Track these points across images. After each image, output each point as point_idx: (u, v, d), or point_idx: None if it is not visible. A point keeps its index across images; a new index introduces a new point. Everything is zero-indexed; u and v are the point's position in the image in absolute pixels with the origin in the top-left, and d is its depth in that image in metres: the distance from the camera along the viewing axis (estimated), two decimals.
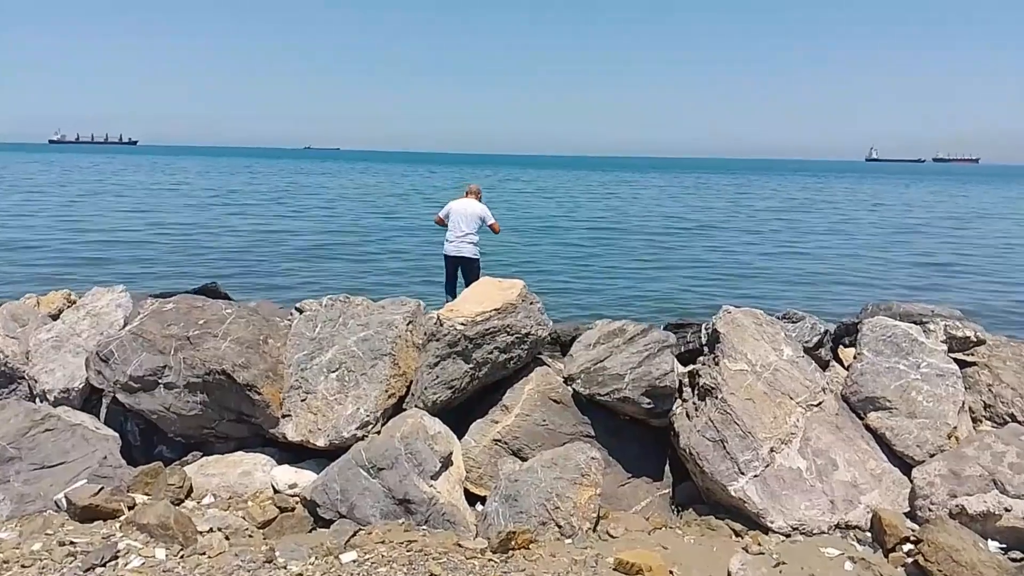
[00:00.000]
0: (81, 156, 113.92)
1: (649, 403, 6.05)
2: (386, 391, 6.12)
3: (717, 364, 6.34)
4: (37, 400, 6.52)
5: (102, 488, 5.60)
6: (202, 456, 6.33)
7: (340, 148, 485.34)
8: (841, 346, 7.85)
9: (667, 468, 6.45)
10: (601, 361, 6.45)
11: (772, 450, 5.96)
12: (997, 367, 6.85)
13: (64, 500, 5.55)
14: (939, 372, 6.45)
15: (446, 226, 9.68)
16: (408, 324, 6.56)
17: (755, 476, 5.84)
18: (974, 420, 6.68)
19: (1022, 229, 32.38)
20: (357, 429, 5.86)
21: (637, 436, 6.44)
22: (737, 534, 5.77)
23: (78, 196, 37.46)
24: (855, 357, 6.81)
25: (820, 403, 6.38)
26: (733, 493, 5.77)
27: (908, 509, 5.96)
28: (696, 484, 6.18)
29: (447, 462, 5.79)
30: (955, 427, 6.22)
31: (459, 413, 6.53)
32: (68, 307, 8.01)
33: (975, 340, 6.90)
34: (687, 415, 6.30)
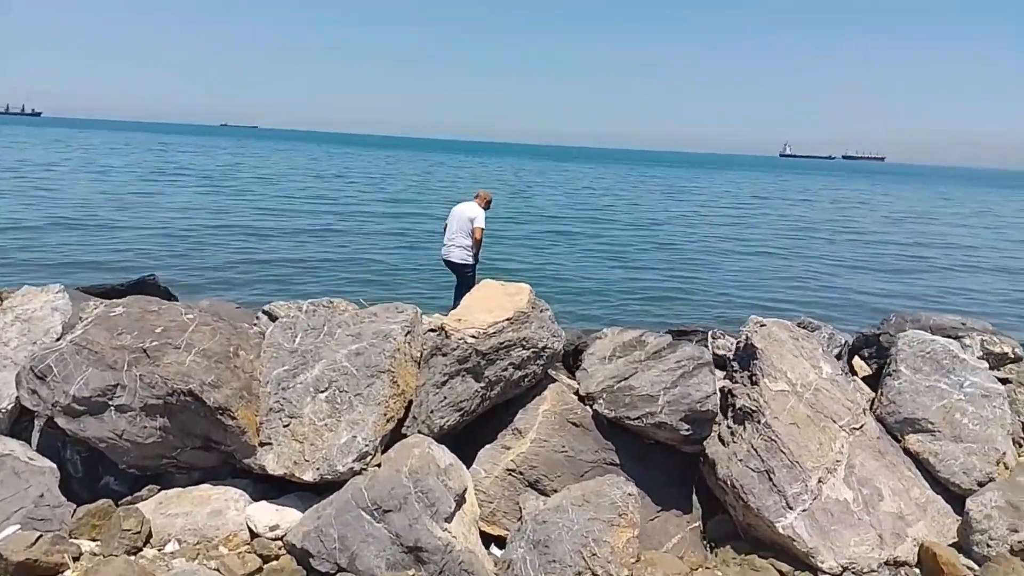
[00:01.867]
0: None
1: (688, 430, 5.36)
2: (384, 414, 5.23)
3: (756, 384, 5.70)
4: None
5: (40, 536, 4.57)
6: (160, 490, 5.33)
7: (258, 126, 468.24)
8: (858, 358, 7.37)
9: (694, 498, 5.80)
10: (626, 379, 5.74)
11: (820, 480, 5.37)
12: None
13: None
14: (984, 392, 6.00)
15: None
16: (406, 335, 5.68)
17: (804, 511, 5.25)
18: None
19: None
20: (354, 461, 4.96)
21: (662, 463, 5.76)
22: (783, 574, 5.17)
23: None
24: (889, 374, 6.29)
25: (862, 426, 5.83)
26: (781, 530, 5.16)
27: (954, 541, 5.50)
28: (734, 518, 5.55)
29: (461, 500, 4.98)
30: (1004, 452, 5.77)
31: (458, 437, 5.72)
32: None
33: (1012, 356, 6.51)
34: (721, 440, 5.65)
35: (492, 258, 17.55)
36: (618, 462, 5.61)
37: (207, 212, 23.78)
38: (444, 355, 5.47)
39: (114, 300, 5.93)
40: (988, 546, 5.22)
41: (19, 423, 5.57)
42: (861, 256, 22.38)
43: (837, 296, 16.21)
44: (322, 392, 5.32)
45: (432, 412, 5.33)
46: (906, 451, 5.96)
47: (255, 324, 6.72)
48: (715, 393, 5.45)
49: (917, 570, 5.33)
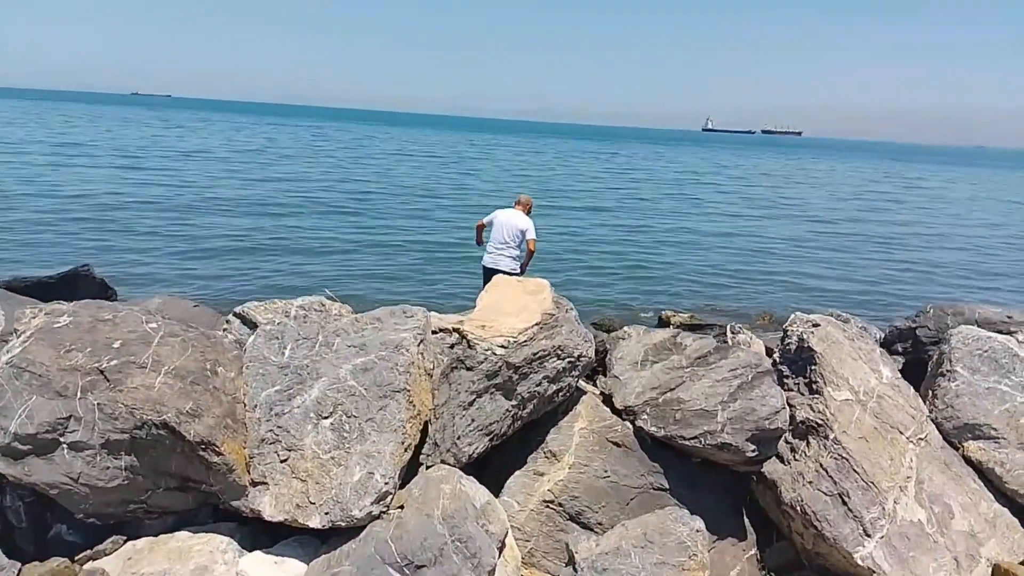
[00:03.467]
0: None
1: (754, 450, 4.67)
2: (402, 443, 4.37)
3: (819, 393, 5.06)
4: None
5: None
6: (126, 540, 4.36)
7: (172, 95, 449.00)
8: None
9: (746, 522, 5.15)
10: (671, 389, 5.02)
11: (895, 501, 4.78)
12: None
13: None
14: None
15: (483, 237, 8.89)
16: (419, 344, 4.81)
17: (882, 537, 4.65)
18: None
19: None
20: (373, 503, 4.09)
21: (712, 484, 5.08)
22: None
23: None
24: (942, 375, 5.74)
25: (927, 435, 5.27)
26: (860, 562, 4.54)
27: None
28: (798, 545, 4.91)
29: (502, 546, 4.19)
30: None
31: (477, 461, 4.90)
32: None
33: None
34: (779, 458, 5.00)
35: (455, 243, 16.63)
36: (667, 486, 4.90)
37: (131, 192, 21.85)
38: (469, 369, 4.64)
39: (55, 307, 4.85)
40: None
41: None
42: (831, 242, 21.76)
43: (824, 284, 15.56)
44: (325, 418, 4.41)
45: (459, 438, 4.50)
46: (967, 460, 5.45)
47: (225, 330, 5.75)
48: (784, 408, 4.77)
49: None
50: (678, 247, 18.84)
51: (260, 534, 4.45)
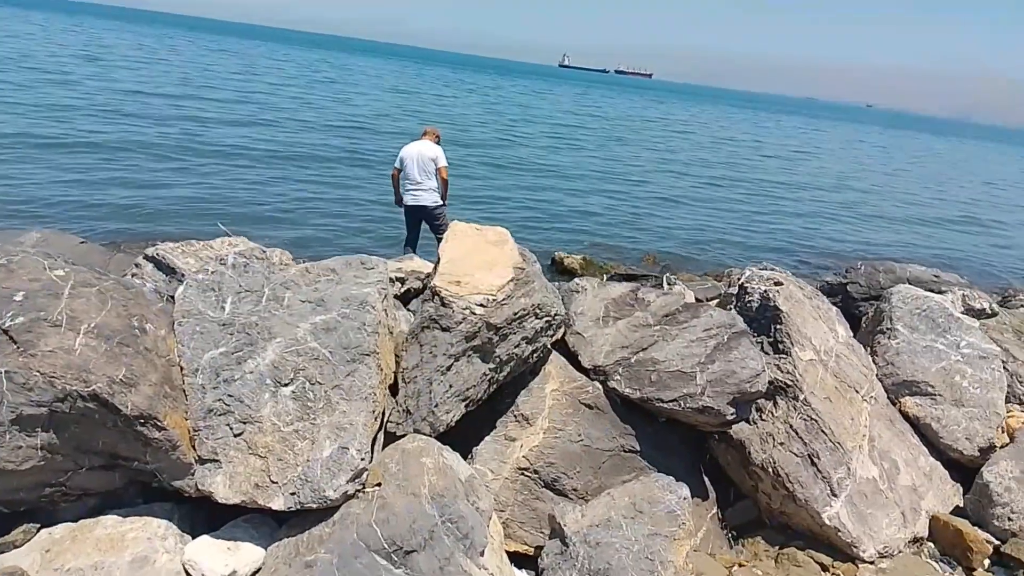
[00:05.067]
0: None
1: (733, 414, 4.55)
2: (372, 411, 3.91)
3: (786, 353, 5.01)
4: None
5: None
6: (39, 528, 3.68)
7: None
8: None
9: (707, 481, 5.10)
10: (643, 349, 4.81)
11: (856, 460, 4.86)
12: (1006, 341, 6.36)
13: None
14: (981, 353, 5.76)
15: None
16: (383, 300, 4.31)
17: (846, 496, 4.72)
18: None
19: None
20: (349, 482, 3.63)
21: (678, 445, 4.97)
22: (824, 568, 4.66)
23: None
24: (882, 332, 5.90)
25: (875, 393, 5.39)
26: (827, 521, 4.59)
27: (954, 509, 5.29)
28: (761, 504, 4.91)
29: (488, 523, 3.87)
30: (1005, 417, 5.59)
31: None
32: None
33: (989, 312, 6.35)
34: (745, 419, 4.94)
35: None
36: (637, 448, 4.72)
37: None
38: (445, 330, 4.20)
39: None
40: (1009, 519, 5.01)
41: None
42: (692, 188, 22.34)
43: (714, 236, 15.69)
44: (285, 385, 3.86)
45: (436, 406, 4.07)
46: (903, 415, 5.65)
47: (135, 275, 4.98)
48: (764, 371, 4.66)
49: (931, 544, 5.06)
50: (552, 185, 18.70)
51: (198, 515, 3.90)
